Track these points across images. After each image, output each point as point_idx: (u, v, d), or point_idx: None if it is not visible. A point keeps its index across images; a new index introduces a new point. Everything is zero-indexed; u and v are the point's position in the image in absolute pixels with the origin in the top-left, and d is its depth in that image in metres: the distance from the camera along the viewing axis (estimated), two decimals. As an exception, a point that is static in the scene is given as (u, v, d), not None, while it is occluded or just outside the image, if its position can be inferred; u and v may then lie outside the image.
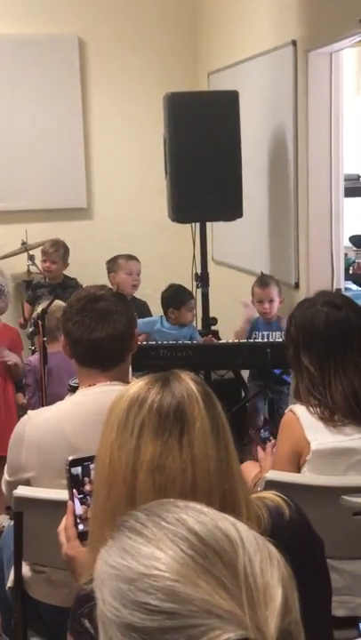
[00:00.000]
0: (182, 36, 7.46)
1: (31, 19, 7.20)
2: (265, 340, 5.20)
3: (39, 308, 4.48)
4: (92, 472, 1.93)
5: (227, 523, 1.00)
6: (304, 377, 2.57)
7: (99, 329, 2.66)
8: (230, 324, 5.94)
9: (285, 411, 2.58)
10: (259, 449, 2.89)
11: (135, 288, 6.02)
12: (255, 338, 5.31)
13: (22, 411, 4.72)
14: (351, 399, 2.48)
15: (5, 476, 2.70)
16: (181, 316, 5.64)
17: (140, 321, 5.57)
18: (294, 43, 5.28)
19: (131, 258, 6.12)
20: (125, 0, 7.33)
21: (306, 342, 2.60)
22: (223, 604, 0.90)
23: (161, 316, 5.72)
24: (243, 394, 5.77)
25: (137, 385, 1.64)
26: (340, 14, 4.59)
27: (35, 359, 4.61)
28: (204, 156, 5.38)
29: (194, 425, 1.56)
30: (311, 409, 2.49)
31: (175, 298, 5.70)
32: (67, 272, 6.47)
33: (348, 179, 5.83)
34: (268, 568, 0.96)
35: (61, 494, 2.09)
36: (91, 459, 1.94)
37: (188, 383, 1.61)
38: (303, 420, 2.48)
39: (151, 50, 7.40)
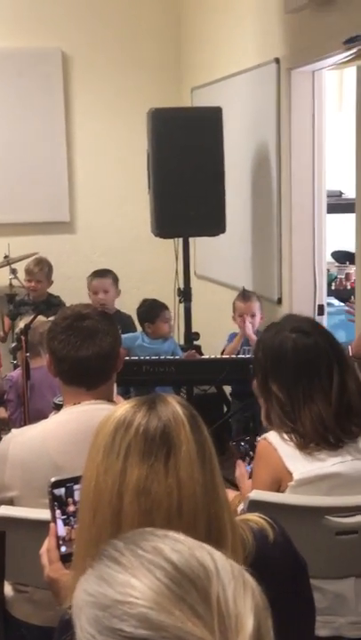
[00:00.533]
0: (166, 51, 7.48)
1: (15, 32, 7.20)
2: (247, 355, 5.21)
3: (21, 324, 4.48)
4: (76, 493, 1.93)
5: (203, 552, 1.02)
6: (273, 404, 2.56)
7: (84, 348, 2.65)
8: (213, 338, 5.96)
9: (259, 439, 2.57)
10: (239, 463, 2.88)
11: (104, 307, 5.95)
12: (238, 353, 5.32)
13: (3, 425, 4.71)
14: (319, 426, 2.48)
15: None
16: (158, 329, 5.67)
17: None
18: (278, 60, 5.31)
19: (97, 275, 6.09)
20: (109, 15, 7.35)
21: (274, 369, 2.59)
22: (195, 631, 0.92)
23: (142, 332, 5.74)
24: (225, 409, 5.78)
25: (123, 408, 1.64)
26: (324, 34, 4.62)
27: (17, 374, 4.60)
28: (187, 172, 5.40)
29: (180, 449, 1.56)
30: (285, 436, 2.49)
31: (149, 312, 5.74)
32: (49, 290, 6.47)
33: (330, 195, 5.86)
34: (242, 597, 0.98)
35: (45, 514, 2.09)
36: (74, 479, 1.94)
37: (174, 406, 1.62)
38: (280, 449, 2.47)
39: (135, 65, 7.42)
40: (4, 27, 7.19)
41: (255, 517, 1.70)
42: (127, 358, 5.16)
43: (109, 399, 2.74)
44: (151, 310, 5.76)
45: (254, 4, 5.72)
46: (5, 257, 6.65)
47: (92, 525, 1.57)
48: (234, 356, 5.26)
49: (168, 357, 5.36)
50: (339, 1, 4.49)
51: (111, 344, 2.71)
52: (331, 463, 2.46)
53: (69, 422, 2.59)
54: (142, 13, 7.41)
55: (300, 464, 2.45)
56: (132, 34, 7.41)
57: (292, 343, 2.59)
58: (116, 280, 6.09)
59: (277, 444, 2.49)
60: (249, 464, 2.81)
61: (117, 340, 2.78)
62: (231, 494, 2.73)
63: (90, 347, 2.66)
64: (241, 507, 2.57)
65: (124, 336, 5.51)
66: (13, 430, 2.76)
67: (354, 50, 3.24)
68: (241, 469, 2.84)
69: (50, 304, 6.14)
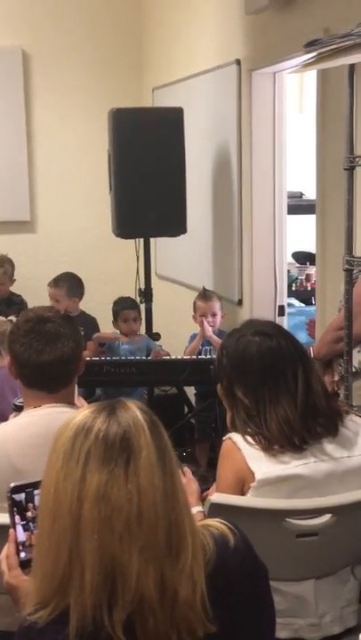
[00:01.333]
0: (127, 51, 7.47)
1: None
2: (208, 355, 5.22)
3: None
4: (37, 498, 1.91)
5: None
6: (239, 409, 2.57)
7: (46, 352, 2.64)
8: (174, 339, 5.96)
9: (223, 439, 2.58)
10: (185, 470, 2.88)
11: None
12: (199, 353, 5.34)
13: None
14: (285, 428, 2.49)
15: None
16: (122, 328, 5.67)
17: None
18: (238, 62, 5.32)
19: (53, 283, 6.05)
20: (70, 14, 7.31)
21: (239, 374, 2.59)
22: None
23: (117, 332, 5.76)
24: (186, 409, 5.79)
25: (83, 413, 1.63)
26: (285, 36, 4.64)
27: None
28: (148, 172, 5.39)
29: (140, 454, 1.56)
30: (250, 439, 2.50)
31: (113, 312, 5.74)
32: (11, 290, 6.45)
33: (291, 196, 5.88)
34: None
35: (4, 518, 2.07)
36: (34, 484, 1.93)
37: (134, 412, 1.61)
38: (244, 449, 2.48)
39: (96, 64, 7.39)
40: None
41: (216, 523, 1.70)
42: (88, 359, 5.17)
43: (70, 402, 2.73)
44: (113, 309, 5.76)
45: (215, 4, 5.73)
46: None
47: (51, 532, 1.57)
48: (195, 356, 5.26)
49: (130, 358, 5.35)
50: (299, 3, 4.51)
51: (73, 348, 2.70)
52: (294, 465, 2.47)
53: (30, 425, 2.58)
54: (103, 13, 7.38)
55: (263, 465, 2.46)
56: (94, 33, 7.38)
57: (256, 347, 2.59)
58: (73, 287, 6.04)
59: (241, 444, 2.50)
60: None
61: (80, 344, 2.77)
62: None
63: (52, 351, 2.65)
64: (199, 509, 2.57)
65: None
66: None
67: (314, 53, 3.25)
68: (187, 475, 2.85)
69: (11, 302, 6.13)
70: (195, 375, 5.05)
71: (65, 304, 5.91)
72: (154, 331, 5.85)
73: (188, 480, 2.78)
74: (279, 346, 2.59)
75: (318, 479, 2.49)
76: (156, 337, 5.88)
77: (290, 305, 6.00)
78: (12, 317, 4.58)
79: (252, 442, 2.49)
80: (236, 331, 2.71)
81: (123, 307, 5.74)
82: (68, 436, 1.60)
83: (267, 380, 2.55)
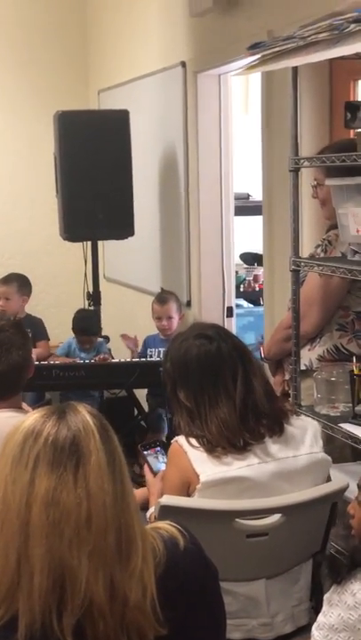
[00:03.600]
0: (72, 52, 7.43)
1: None
2: (157, 357, 5.22)
3: None
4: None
5: None
6: (183, 412, 2.59)
7: (1, 362, 2.70)
8: (122, 342, 5.94)
9: (171, 441, 2.59)
10: (146, 470, 2.90)
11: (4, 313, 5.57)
12: (151, 355, 5.34)
13: None
14: (225, 430, 2.51)
15: None
16: (83, 345, 5.67)
17: (58, 350, 5.74)
18: (183, 64, 5.33)
19: (3, 282, 6.02)
20: (13, 16, 7.26)
21: (180, 377, 2.62)
22: None
23: (73, 338, 5.71)
24: (136, 412, 5.78)
25: (32, 417, 1.62)
26: (229, 38, 4.66)
27: None
28: (94, 175, 5.39)
29: (89, 459, 1.55)
30: (193, 441, 2.51)
31: (74, 329, 5.70)
32: None
33: (238, 197, 5.90)
34: None
35: None
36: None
37: (84, 416, 1.61)
38: (189, 452, 2.50)
39: (40, 67, 7.34)
40: None
41: (166, 525, 1.69)
42: (37, 363, 5.14)
43: (18, 407, 2.75)
44: (74, 327, 5.74)
45: (160, 6, 5.73)
46: None
47: (0, 536, 1.55)
48: (143, 359, 5.27)
49: (79, 362, 5.33)
50: (243, 6, 4.54)
51: (23, 356, 2.77)
52: (236, 467, 2.48)
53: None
54: (48, 14, 7.34)
55: (207, 467, 2.47)
56: (38, 34, 7.33)
57: (195, 350, 2.62)
58: (23, 285, 6.00)
59: (186, 447, 2.51)
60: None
61: (30, 351, 2.85)
62: (139, 492, 2.74)
63: (5, 361, 2.70)
64: (151, 511, 2.58)
65: (60, 348, 5.72)
66: None
67: (258, 55, 3.27)
68: (148, 477, 2.86)
69: None
70: (144, 377, 5.04)
71: (16, 302, 5.88)
72: (103, 334, 5.85)
73: (153, 481, 2.80)
74: (219, 349, 2.61)
75: (263, 480, 2.50)
76: (106, 340, 5.87)
77: (238, 306, 6.02)
78: None
79: (197, 444, 2.50)
80: (180, 335, 2.75)
81: (80, 331, 5.72)
82: (16, 441, 1.58)
83: (206, 383, 2.58)
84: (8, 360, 2.69)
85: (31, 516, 1.52)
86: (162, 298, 5.42)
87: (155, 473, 2.85)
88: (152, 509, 2.58)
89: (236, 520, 2.45)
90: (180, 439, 2.55)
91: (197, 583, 1.66)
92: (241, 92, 7.27)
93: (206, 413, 2.54)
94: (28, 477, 1.54)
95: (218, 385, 2.57)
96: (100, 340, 5.76)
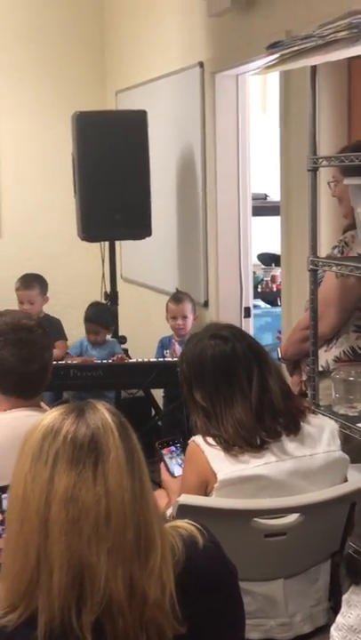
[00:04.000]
0: (90, 53, 7.45)
1: None
2: (174, 357, 5.21)
3: None
4: (4, 502, 1.91)
5: None
6: (199, 412, 2.60)
7: (34, 362, 2.73)
8: (140, 342, 5.95)
9: (189, 441, 2.60)
10: (162, 469, 2.91)
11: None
12: (166, 356, 5.34)
13: None
14: (241, 430, 2.51)
15: None
16: (89, 337, 5.67)
17: (71, 350, 5.77)
18: (202, 64, 5.33)
19: (24, 285, 6.02)
20: (32, 17, 7.28)
21: (196, 378, 2.64)
22: None
23: (83, 336, 5.73)
24: (153, 412, 5.78)
25: (51, 415, 1.62)
26: (247, 38, 4.66)
27: None
28: (112, 175, 5.39)
29: (108, 456, 1.55)
30: (210, 440, 2.52)
31: (85, 318, 5.73)
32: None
33: (255, 198, 5.90)
34: None
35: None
36: (2, 489, 1.92)
37: (103, 414, 1.61)
38: (206, 451, 2.51)
39: (59, 67, 7.37)
40: None
41: (184, 524, 1.69)
42: (55, 362, 5.15)
43: (39, 405, 2.77)
44: (85, 317, 5.75)
45: (178, 7, 5.73)
46: None
47: (19, 534, 1.56)
48: (161, 359, 5.28)
49: (96, 362, 5.34)
50: (261, 5, 4.53)
51: (49, 356, 2.82)
52: (254, 465, 2.48)
53: (0, 429, 2.58)
54: (66, 17, 7.36)
55: (224, 465, 2.47)
56: (57, 36, 7.36)
57: (210, 351, 2.63)
58: (43, 287, 6.03)
59: (204, 446, 2.52)
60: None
61: (52, 351, 2.89)
62: (160, 493, 2.75)
63: (37, 361, 2.74)
64: (170, 511, 2.58)
65: (71, 346, 5.73)
66: None
67: (277, 55, 3.26)
68: (165, 476, 2.87)
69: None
70: (161, 378, 5.05)
71: (39, 305, 5.92)
72: (120, 334, 5.85)
73: (170, 480, 2.80)
74: (233, 349, 2.62)
75: (281, 479, 2.50)
76: (123, 340, 5.87)
77: (256, 306, 6.01)
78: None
79: (213, 443, 2.51)
80: (195, 335, 2.76)
81: (88, 318, 5.72)
82: (36, 438, 1.59)
83: (221, 383, 2.59)
84: (41, 360, 2.74)
85: (50, 513, 1.53)
86: (177, 297, 5.43)
87: (170, 473, 2.86)
88: (171, 509, 2.58)
89: (255, 519, 2.45)
90: (197, 438, 2.55)
91: (217, 582, 1.66)
92: (259, 92, 7.27)
93: (222, 413, 2.55)
94: (47, 475, 1.55)
95: (233, 385, 2.57)
96: (112, 339, 5.76)
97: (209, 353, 2.63)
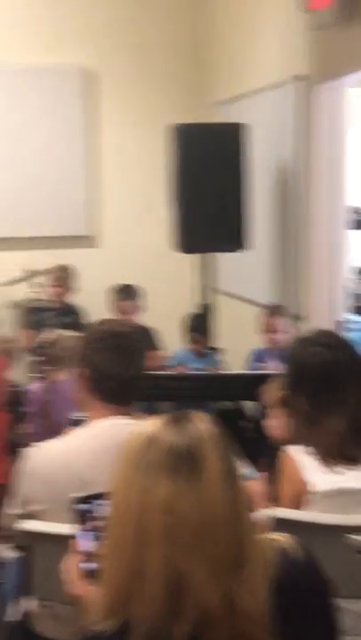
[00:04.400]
0: (187, 66, 7.50)
1: (39, 49, 7.25)
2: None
3: (47, 336, 4.50)
4: (100, 509, 1.93)
5: None
6: (297, 419, 2.58)
7: (133, 368, 2.74)
8: (235, 354, 5.95)
9: (280, 452, 2.59)
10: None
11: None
12: (259, 369, 5.32)
13: (17, 438, 4.69)
14: (337, 440, 2.49)
15: (9, 508, 2.69)
16: (193, 346, 5.69)
17: (170, 361, 5.82)
18: (300, 77, 5.32)
19: (125, 296, 6.12)
20: (130, 32, 7.38)
21: (298, 383, 2.62)
22: None
23: (181, 349, 5.80)
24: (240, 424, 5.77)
25: (152, 424, 1.64)
26: (348, 51, 4.63)
27: (36, 388, 4.60)
28: (209, 187, 5.41)
29: (206, 467, 1.56)
30: (305, 450, 2.50)
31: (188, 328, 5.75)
32: (70, 300, 6.52)
33: (354, 212, 5.85)
34: None
35: (69, 529, 2.08)
36: (98, 495, 1.94)
37: (202, 425, 1.62)
38: (300, 462, 2.49)
39: (156, 80, 7.45)
40: (23, 42, 7.24)
41: (281, 537, 1.69)
42: (151, 372, 5.20)
43: (131, 413, 2.76)
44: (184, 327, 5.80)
45: (278, 19, 5.73)
46: (26, 271, 6.67)
47: (117, 542, 1.57)
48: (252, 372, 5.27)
49: (188, 372, 5.36)
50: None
51: (144, 363, 2.83)
52: (348, 477, 2.46)
53: (97, 437, 2.60)
54: (162, 29, 7.44)
55: (318, 476, 2.46)
56: (153, 50, 7.44)
57: (317, 357, 2.60)
58: (140, 298, 6.13)
59: (297, 457, 2.50)
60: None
61: (145, 360, 2.90)
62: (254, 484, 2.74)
63: (136, 367, 2.76)
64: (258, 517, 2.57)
65: (171, 358, 5.80)
66: (35, 445, 2.75)
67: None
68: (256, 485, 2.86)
69: (70, 311, 6.23)
70: (252, 390, 5.02)
71: (136, 315, 6.01)
72: (215, 345, 5.87)
73: (259, 485, 2.80)
74: (337, 358, 2.60)
75: None
76: (219, 352, 5.89)
77: (351, 320, 5.95)
78: (75, 333, 4.59)
79: (308, 454, 2.49)
80: (303, 340, 2.73)
81: (187, 329, 5.75)
82: (135, 447, 1.60)
83: (321, 391, 2.56)
84: (138, 367, 2.76)
85: (148, 522, 1.53)
86: (271, 310, 5.42)
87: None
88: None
89: (347, 535, 2.42)
90: (291, 449, 2.54)
91: (313, 598, 1.65)
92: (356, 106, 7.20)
93: (319, 421, 2.53)
94: (145, 484, 1.56)
95: (332, 394, 2.55)
96: (212, 350, 5.78)
97: (315, 360, 2.61)
